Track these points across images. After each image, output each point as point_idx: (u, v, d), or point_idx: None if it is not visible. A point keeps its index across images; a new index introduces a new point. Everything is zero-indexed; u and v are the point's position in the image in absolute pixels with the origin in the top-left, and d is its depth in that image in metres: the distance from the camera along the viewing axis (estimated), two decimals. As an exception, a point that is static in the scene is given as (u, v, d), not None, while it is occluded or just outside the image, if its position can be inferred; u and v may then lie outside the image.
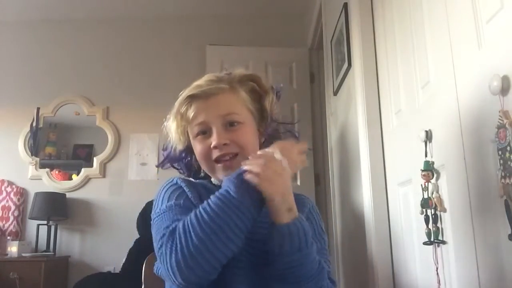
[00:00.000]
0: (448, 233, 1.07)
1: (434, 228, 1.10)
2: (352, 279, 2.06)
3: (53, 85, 3.51)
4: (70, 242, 3.26)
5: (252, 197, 0.71)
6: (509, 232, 0.77)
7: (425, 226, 1.13)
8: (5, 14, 3.53)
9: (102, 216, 3.29)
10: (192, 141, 0.89)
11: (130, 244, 2.34)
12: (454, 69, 1.04)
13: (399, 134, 1.46)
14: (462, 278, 1.01)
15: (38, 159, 3.40)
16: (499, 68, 0.83)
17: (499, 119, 0.81)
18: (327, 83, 2.67)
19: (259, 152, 0.77)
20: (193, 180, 0.90)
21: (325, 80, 2.75)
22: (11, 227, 3.23)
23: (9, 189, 3.30)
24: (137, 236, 2.43)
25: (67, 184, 3.36)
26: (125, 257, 2.34)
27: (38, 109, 3.45)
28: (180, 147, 0.92)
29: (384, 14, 1.63)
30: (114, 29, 3.64)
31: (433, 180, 1.12)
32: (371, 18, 1.77)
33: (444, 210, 1.09)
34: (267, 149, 0.77)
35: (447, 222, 1.08)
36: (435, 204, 1.10)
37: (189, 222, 0.70)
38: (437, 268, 1.10)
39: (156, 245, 0.74)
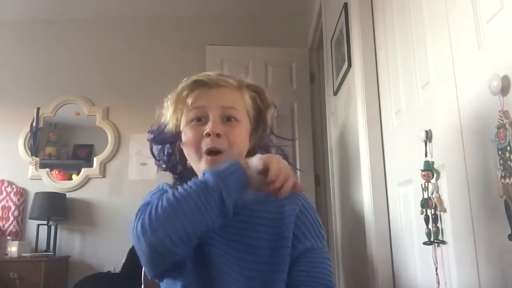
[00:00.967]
0: (448, 233, 1.07)
1: (434, 228, 1.10)
2: (352, 279, 2.06)
3: (53, 85, 3.51)
4: (70, 242, 3.26)
5: (228, 188, 0.71)
6: (509, 232, 0.77)
7: (425, 226, 1.13)
8: (5, 14, 3.53)
9: (102, 216, 3.29)
10: (183, 129, 0.88)
11: (130, 244, 2.30)
12: (454, 69, 1.04)
13: (399, 134, 1.46)
14: (462, 278, 1.01)
15: (38, 159, 3.39)
16: (499, 68, 0.83)
17: (499, 119, 0.81)
18: (327, 83, 2.67)
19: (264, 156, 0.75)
20: (178, 184, 0.89)
21: (325, 80, 2.75)
22: (11, 227, 3.23)
23: (9, 189, 3.30)
24: (137, 236, 2.42)
25: (67, 184, 3.35)
26: (125, 257, 2.34)
27: (38, 109, 3.45)
28: (170, 130, 0.91)
29: (384, 14, 1.63)
30: (114, 29, 3.64)
31: (433, 180, 1.12)
32: (371, 18, 1.77)
33: (444, 210, 1.09)
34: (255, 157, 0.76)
35: (447, 222, 1.08)
36: (435, 204, 1.10)
37: (163, 198, 0.72)
38: (436, 268, 1.10)
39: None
